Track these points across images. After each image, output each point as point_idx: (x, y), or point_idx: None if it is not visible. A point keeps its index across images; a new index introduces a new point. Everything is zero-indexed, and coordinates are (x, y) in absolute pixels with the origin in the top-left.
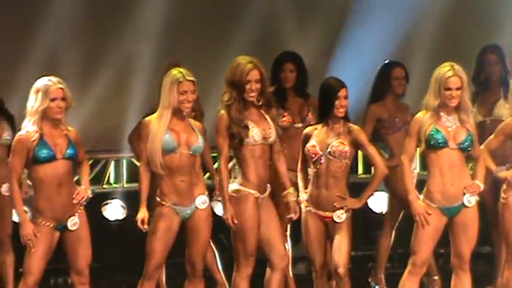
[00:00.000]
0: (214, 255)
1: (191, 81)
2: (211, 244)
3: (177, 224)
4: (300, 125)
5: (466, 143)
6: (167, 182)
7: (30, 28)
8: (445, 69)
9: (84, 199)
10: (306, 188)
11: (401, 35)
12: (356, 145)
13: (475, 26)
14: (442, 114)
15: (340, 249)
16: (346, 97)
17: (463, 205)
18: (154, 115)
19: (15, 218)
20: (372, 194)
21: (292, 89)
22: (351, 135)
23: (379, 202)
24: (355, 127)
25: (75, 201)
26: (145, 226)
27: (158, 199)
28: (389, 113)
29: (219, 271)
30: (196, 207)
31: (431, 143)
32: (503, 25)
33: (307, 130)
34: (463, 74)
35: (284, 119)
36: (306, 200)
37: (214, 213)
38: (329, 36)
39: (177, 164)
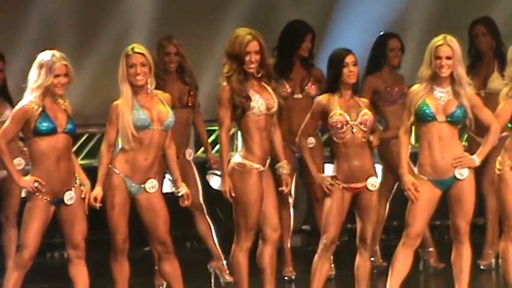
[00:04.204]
0: (210, 228)
1: (140, 53)
2: (207, 217)
3: (128, 195)
4: (299, 95)
5: (455, 116)
6: (129, 154)
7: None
8: (436, 39)
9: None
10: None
11: (397, 7)
12: None
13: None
14: (435, 86)
15: (372, 219)
16: (354, 64)
17: (455, 178)
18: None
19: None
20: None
21: (300, 59)
22: (366, 106)
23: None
24: (365, 100)
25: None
26: (99, 204)
27: (111, 166)
28: (386, 85)
29: (214, 244)
30: (145, 189)
31: (419, 115)
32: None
33: (322, 100)
34: (454, 44)
35: (285, 89)
36: (335, 177)
37: (209, 186)
38: (325, 8)
39: (149, 140)
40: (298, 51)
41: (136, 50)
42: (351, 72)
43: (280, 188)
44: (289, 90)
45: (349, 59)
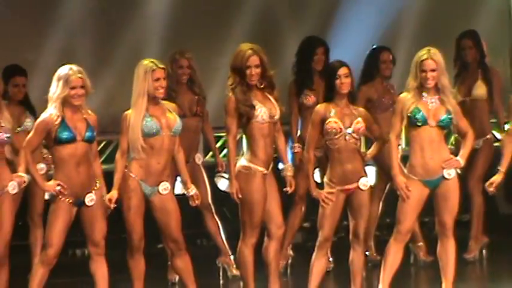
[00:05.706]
0: (218, 226)
1: (163, 68)
2: (215, 216)
3: (143, 197)
4: None
5: (445, 121)
6: (142, 160)
7: (48, 14)
8: (421, 53)
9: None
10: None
11: (388, 21)
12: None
13: (454, 13)
14: (423, 94)
15: (364, 216)
16: (346, 76)
17: (443, 177)
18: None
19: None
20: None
21: (318, 71)
22: (361, 114)
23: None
24: (361, 109)
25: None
26: (113, 205)
27: (126, 171)
28: (378, 94)
29: (222, 241)
30: (158, 191)
31: (412, 121)
32: (479, 13)
33: (319, 109)
34: (438, 57)
35: (309, 98)
36: (330, 181)
37: (217, 188)
38: (324, 22)
39: (160, 145)
40: (312, 64)
41: (160, 65)
42: (342, 84)
43: (284, 189)
44: (314, 99)
45: (341, 71)
